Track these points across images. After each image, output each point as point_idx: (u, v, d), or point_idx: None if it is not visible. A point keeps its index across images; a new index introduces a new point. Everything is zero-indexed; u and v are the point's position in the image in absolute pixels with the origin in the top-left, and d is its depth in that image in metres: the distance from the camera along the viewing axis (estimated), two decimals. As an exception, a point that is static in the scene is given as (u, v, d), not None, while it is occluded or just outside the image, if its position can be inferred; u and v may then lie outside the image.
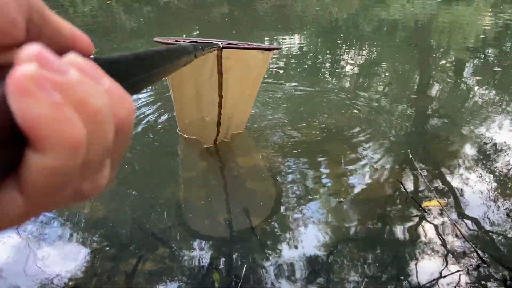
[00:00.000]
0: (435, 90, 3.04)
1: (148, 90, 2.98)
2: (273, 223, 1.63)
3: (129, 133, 0.20)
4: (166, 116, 2.53)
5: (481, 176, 1.91)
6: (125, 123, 0.19)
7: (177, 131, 2.27)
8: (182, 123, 2.22)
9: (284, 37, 4.63)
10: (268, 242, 1.53)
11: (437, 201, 1.68)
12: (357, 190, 1.82)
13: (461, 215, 1.65)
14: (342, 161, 2.04)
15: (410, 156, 1.95)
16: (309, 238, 1.55)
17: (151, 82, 0.29)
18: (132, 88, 0.24)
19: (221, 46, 1.62)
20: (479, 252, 1.43)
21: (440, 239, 1.52)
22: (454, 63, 3.68)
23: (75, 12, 6.14)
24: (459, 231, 1.53)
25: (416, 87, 3.14)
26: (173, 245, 1.52)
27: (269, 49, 1.92)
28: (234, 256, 1.47)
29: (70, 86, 0.16)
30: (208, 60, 1.81)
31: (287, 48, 4.17)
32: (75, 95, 0.16)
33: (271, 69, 3.45)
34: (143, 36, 4.73)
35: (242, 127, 2.26)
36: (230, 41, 1.93)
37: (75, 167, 0.16)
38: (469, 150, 2.16)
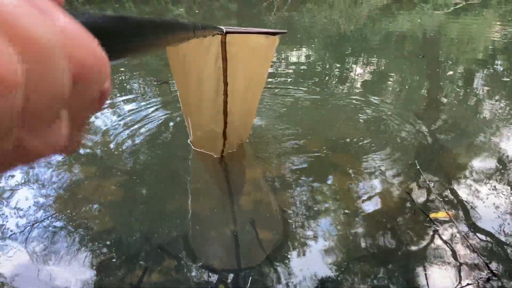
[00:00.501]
0: (443, 101, 3.02)
1: (156, 96, 3.02)
2: (279, 235, 1.62)
3: (93, 83, 0.17)
4: (174, 124, 2.55)
5: (491, 188, 1.89)
6: (85, 68, 0.16)
7: (189, 141, 2.27)
8: (194, 134, 2.20)
9: (291, 48, 4.66)
10: (275, 254, 1.52)
11: (446, 212, 1.66)
12: (365, 202, 1.80)
13: (471, 227, 1.62)
14: (350, 173, 2.03)
15: (418, 167, 1.93)
16: (316, 250, 1.54)
17: (136, 50, 0.27)
18: (110, 50, 0.22)
19: (224, 31, 1.56)
20: (490, 264, 1.41)
21: (449, 251, 1.50)
22: (462, 74, 3.66)
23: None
24: (469, 243, 1.50)
25: (424, 98, 3.13)
26: (179, 257, 1.51)
27: (274, 33, 1.83)
28: (240, 269, 1.46)
29: (4, 12, 0.13)
30: (212, 46, 1.73)
31: (295, 60, 4.19)
32: (9, 23, 0.13)
33: (278, 79, 3.47)
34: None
35: (249, 127, 2.18)
36: (236, 28, 1.83)
37: (11, 111, 0.14)
38: (479, 161, 2.13)
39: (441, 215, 1.67)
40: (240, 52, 1.77)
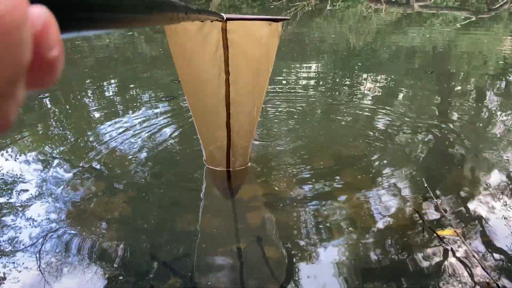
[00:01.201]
0: (454, 117, 3.00)
1: (166, 112, 3.05)
2: (287, 253, 1.61)
3: (45, 46, 0.16)
4: (183, 141, 2.57)
5: (501, 205, 1.86)
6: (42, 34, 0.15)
7: (204, 161, 2.27)
8: (204, 144, 2.17)
9: (301, 63, 4.69)
10: (282, 273, 1.51)
11: (454, 231, 1.64)
12: (373, 219, 1.79)
13: (481, 245, 1.60)
14: (358, 190, 2.02)
15: (425, 185, 1.91)
16: (324, 268, 1.52)
17: (106, 22, 0.24)
18: (78, 21, 0.20)
19: (225, 18, 1.50)
20: (499, 282, 1.38)
21: (458, 270, 1.48)
22: (473, 89, 3.64)
23: (99, 42, 6.37)
24: (479, 262, 1.48)
25: (434, 114, 3.11)
26: (185, 275, 1.51)
27: (276, 20, 1.75)
28: (247, 287, 1.45)
29: None
30: (213, 33, 1.67)
31: (304, 75, 4.21)
32: None
33: (286, 94, 3.48)
34: (163, 65, 4.85)
35: (254, 126, 2.06)
36: (237, 15, 1.76)
37: None
38: (489, 178, 2.11)
39: (448, 232, 1.65)
40: (241, 40, 1.70)
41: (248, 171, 2.23)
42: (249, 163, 2.26)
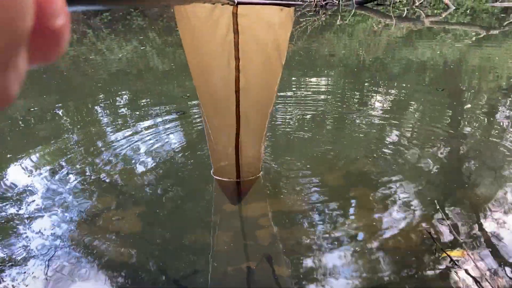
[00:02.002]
0: (465, 133, 2.98)
1: (177, 126, 3.07)
2: (296, 271, 1.59)
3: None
4: (195, 156, 2.58)
5: (516, 226, 1.82)
6: None
7: (211, 173, 2.28)
8: (212, 152, 2.14)
9: (311, 78, 4.70)
10: (292, 291, 1.49)
11: (463, 252, 1.61)
12: (383, 238, 1.77)
13: (493, 267, 1.56)
14: (368, 208, 2.00)
15: (438, 207, 1.89)
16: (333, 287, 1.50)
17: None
18: None
19: (236, 1, 1.46)
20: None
21: (473, 293, 1.45)
22: (485, 105, 3.61)
23: (112, 56, 6.46)
24: (490, 284, 1.45)
25: (445, 130, 3.09)
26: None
27: (288, 5, 1.68)
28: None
29: None
30: (223, 18, 1.62)
31: (314, 89, 4.22)
32: None
33: (296, 108, 3.49)
34: (175, 78, 4.90)
35: (265, 121, 2.00)
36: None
37: None
38: (503, 197, 2.07)
39: (456, 254, 1.62)
40: (253, 25, 1.65)
41: (257, 187, 2.22)
42: (261, 173, 2.25)
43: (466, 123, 3.18)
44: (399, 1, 12.35)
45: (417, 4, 11.87)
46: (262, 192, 2.19)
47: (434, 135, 2.95)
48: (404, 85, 4.40)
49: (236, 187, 2.24)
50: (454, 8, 11.09)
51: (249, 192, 2.19)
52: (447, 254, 1.62)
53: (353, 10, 11.53)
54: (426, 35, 7.72)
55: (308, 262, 1.64)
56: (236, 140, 2.00)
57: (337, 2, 12.52)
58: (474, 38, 7.09)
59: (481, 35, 7.36)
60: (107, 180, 2.36)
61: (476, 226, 1.83)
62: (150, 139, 2.93)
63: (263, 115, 1.96)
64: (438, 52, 6.10)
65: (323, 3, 12.66)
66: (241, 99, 1.84)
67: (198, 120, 3.34)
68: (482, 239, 1.74)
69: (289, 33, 1.74)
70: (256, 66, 1.77)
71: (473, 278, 1.51)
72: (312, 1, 12.68)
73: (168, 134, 3.04)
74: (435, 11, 11.11)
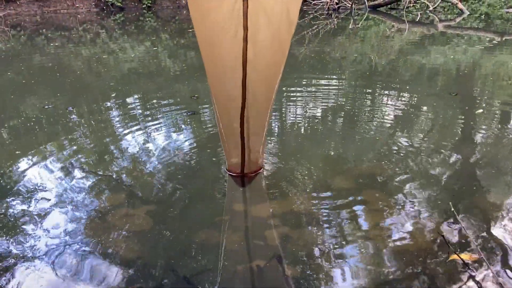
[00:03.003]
0: (478, 138, 2.94)
1: (187, 126, 3.08)
2: (306, 272, 1.58)
3: None
4: (205, 155, 2.59)
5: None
6: None
7: (225, 169, 2.29)
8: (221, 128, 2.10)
9: (322, 81, 4.69)
10: (301, 292, 1.48)
11: (471, 255, 1.59)
12: (394, 241, 1.75)
13: (506, 270, 1.54)
14: (379, 211, 1.98)
15: (452, 209, 1.86)
16: (343, 290, 1.49)
17: None
18: None
19: None
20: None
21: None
22: (498, 111, 3.56)
23: (125, 56, 6.52)
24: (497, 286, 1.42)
25: (458, 135, 3.05)
26: (204, 290, 1.50)
27: None
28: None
29: None
30: None
31: (326, 92, 4.20)
32: None
33: (308, 111, 3.48)
34: (186, 79, 4.92)
35: (271, 98, 1.94)
36: None
37: None
38: (517, 203, 2.04)
39: (464, 257, 1.60)
40: None
41: (268, 187, 2.22)
42: (263, 169, 2.26)
43: (478, 128, 3.14)
44: (413, 6, 12.27)
45: (431, 8, 11.78)
46: (273, 192, 2.18)
47: (446, 139, 2.92)
48: (416, 89, 4.37)
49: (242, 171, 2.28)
50: (468, 13, 10.99)
51: (260, 191, 2.19)
52: (459, 256, 1.60)
53: (366, 14, 11.49)
54: (439, 40, 7.66)
55: (318, 262, 1.63)
56: (242, 115, 1.94)
57: (350, 5, 12.49)
58: (488, 44, 7.02)
59: (495, 41, 7.28)
60: (117, 178, 2.37)
61: (487, 230, 1.81)
62: (160, 138, 2.95)
63: (270, 89, 1.90)
64: (452, 57, 6.04)
65: (336, 6, 12.64)
66: (248, 72, 1.78)
67: (208, 119, 3.35)
68: (495, 243, 1.71)
69: (299, 4, 1.68)
70: (264, 37, 1.70)
71: (485, 281, 1.49)
72: (324, 5, 12.67)
73: (179, 134, 3.05)
74: (449, 16, 11.02)
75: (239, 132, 2.05)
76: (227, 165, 2.34)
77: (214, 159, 2.58)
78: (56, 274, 1.58)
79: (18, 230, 1.88)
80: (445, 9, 11.89)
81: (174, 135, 3.04)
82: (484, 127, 3.15)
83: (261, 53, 1.74)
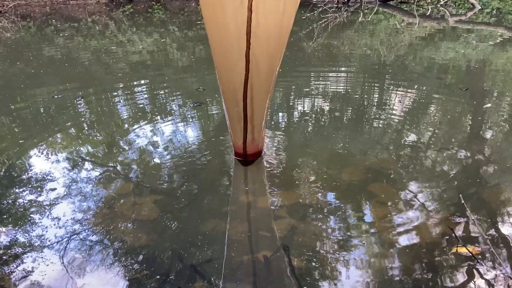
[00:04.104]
0: (488, 134, 2.91)
1: (193, 118, 3.08)
2: (313, 263, 1.58)
3: None
4: (211, 145, 2.59)
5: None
6: None
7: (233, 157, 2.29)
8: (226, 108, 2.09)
9: (331, 75, 4.66)
10: (307, 283, 1.49)
11: (473, 249, 1.58)
12: (403, 235, 1.74)
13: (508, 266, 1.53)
14: (388, 204, 1.98)
15: (462, 202, 1.85)
16: (350, 283, 1.49)
17: None
18: None
19: None
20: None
21: (493, 293, 1.42)
22: (508, 107, 3.52)
23: (133, 48, 6.52)
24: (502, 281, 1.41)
25: (468, 131, 3.03)
26: (211, 279, 1.51)
27: None
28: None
29: None
30: None
31: (334, 86, 4.18)
32: None
33: (315, 105, 3.46)
34: (193, 71, 4.92)
35: (273, 72, 1.91)
36: None
37: None
38: (526, 199, 2.02)
39: (464, 250, 1.60)
40: None
41: (277, 179, 2.21)
42: (264, 153, 2.27)
43: (489, 122, 3.11)
44: (424, 0, 12.13)
45: (441, 3, 11.64)
46: (281, 183, 2.18)
47: (455, 134, 2.89)
48: (426, 83, 4.33)
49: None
50: (479, 8, 10.84)
51: (268, 182, 2.19)
52: (469, 251, 1.59)
53: (376, 8, 11.38)
54: (450, 35, 7.57)
55: (324, 254, 1.63)
56: (245, 87, 1.92)
57: (359, -1, 12.38)
58: (499, 39, 6.92)
59: (507, 36, 7.18)
60: (125, 168, 2.39)
61: (496, 224, 1.79)
62: (167, 129, 2.96)
63: (273, 61, 1.86)
64: (462, 51, 5.98)
65: (346, 0, 12.53)
66: (252, 43, 1.74)
67: (215, 110, 3.35)
68: (503, 237, 1.70)
69: None
70: (269, 7, 1.66)
71: (494, 278, 1.48)
72: (334, -2, 12.58)
73: (185, 124, 3.06)
74: (460, 10, 10.88)
75: (242, 106, 2.02)
76: (232, 145, 2.34)
77: (221, 148, 2.58)
78: (64, 262, 1.60)
79: (26, 219, 1.90)
80: (456, 4, 11.74)
81: (180, 125, 3.05)
82: (494, 122, 3.12)
83: (265, 24, 1.70)
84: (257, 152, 2.36)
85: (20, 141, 2.80)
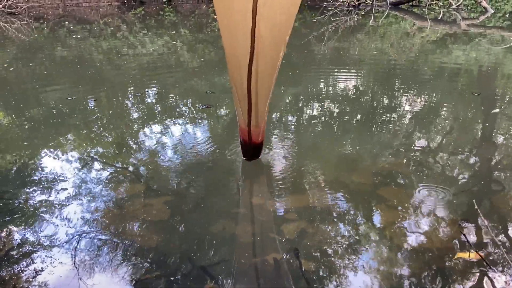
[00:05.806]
0: (500, 139, 2.88)
1: (203, 119, 3.10)
2: (323, 266, 1.58)
3: None
4: (221, 146, 2.60)
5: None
6: None
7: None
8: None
9: (340, 78, 4.65)
10: (317, 287, 1.48)
11: (477, 254, 1.56)
12: (413, 239, 1.73)
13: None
14: (396, 208, 1.96)
15: (476, 207, 1.82)
16: (362, 287, 1.48)
17: None
18: None
19: None
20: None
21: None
22: (522, 112, 3.48)
23: (144, 50, 6.57)
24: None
25: (479, 135, 3.00)
26: (221, 281, 1.51)
27: None
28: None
29: None
30: None
31: (343, 88, 4.17)
32: None
33: (324, 107, 3.46)
34: (203, 74, 4.94)
35: (281, 47, 1.87)
36: None
37: None
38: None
39: (467, 255, 1.58)
40: None
41: (286, 182, 2.21)
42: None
43: (501, 128, 3.07)
44: (435, 3, 12.04)
45: (453, 6, 11.55)
46: (291, 186, 2.18)
47: (466, 139, 2.87)
48: (437, 87, 4.30)
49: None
50: (492, 12, 10.73)
51: (277, 186, 2.19)
52: (481, 256, 1.58)
53: (387, 11, 11.33)
54: (461, 39, 7.51)
55: (333, 258, 1.62)
56: (249, 67, 1.89)
57: (371, 2, 12.34)
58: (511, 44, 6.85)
59: (520, 40, 7.10)
60: (135, 169, 2.40)
61: (506, 231, 1.77)
62: (177, 131, 2.98)
63: (279, 41, 1.83)
64: (474, 56, 5.92)
65: (356, 3, 12.50)
66: (258, 21, 1.71)
67: (224, 113, 3.36)
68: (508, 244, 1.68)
69: None
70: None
71: (498, 281, 1.47)
72: (345, 1, 12.55)
73: (195, 126, 3.08)
74: (472, 14, 10.78)
75: (246, 86, 1.99)
76: (239, 129, 2.29)
77: (230, 150, 2.59)
78: (75, 261, 1.61)
79: (37, 219, 1.92)
80: (469, 7, 11.63)
81: (190, 127, 3.06)
82: (506, 127, 3.09)
83: (272, 2, 1.67)
84: (259, 143, 2.32)
85: (33, 141, 2.83)
